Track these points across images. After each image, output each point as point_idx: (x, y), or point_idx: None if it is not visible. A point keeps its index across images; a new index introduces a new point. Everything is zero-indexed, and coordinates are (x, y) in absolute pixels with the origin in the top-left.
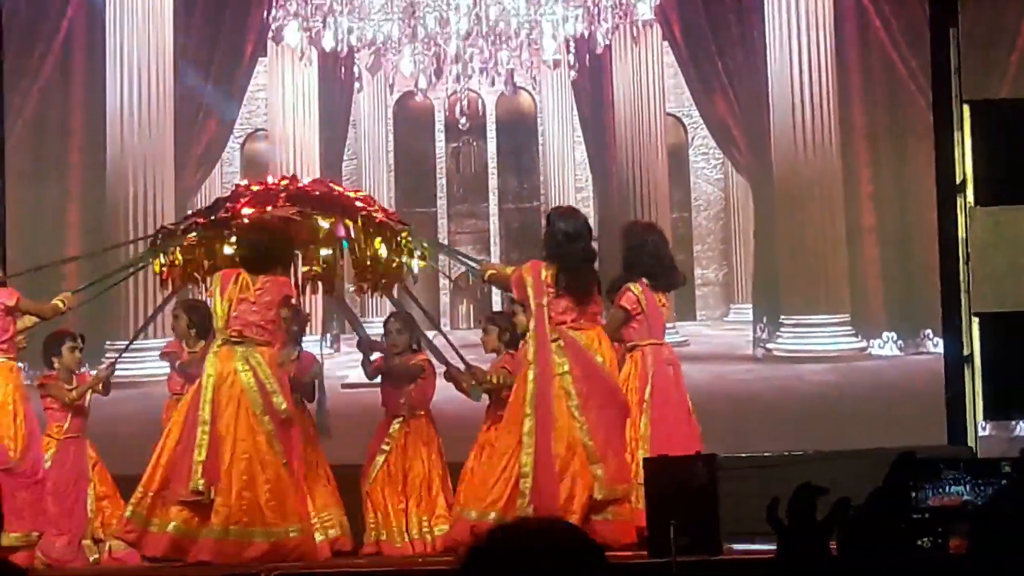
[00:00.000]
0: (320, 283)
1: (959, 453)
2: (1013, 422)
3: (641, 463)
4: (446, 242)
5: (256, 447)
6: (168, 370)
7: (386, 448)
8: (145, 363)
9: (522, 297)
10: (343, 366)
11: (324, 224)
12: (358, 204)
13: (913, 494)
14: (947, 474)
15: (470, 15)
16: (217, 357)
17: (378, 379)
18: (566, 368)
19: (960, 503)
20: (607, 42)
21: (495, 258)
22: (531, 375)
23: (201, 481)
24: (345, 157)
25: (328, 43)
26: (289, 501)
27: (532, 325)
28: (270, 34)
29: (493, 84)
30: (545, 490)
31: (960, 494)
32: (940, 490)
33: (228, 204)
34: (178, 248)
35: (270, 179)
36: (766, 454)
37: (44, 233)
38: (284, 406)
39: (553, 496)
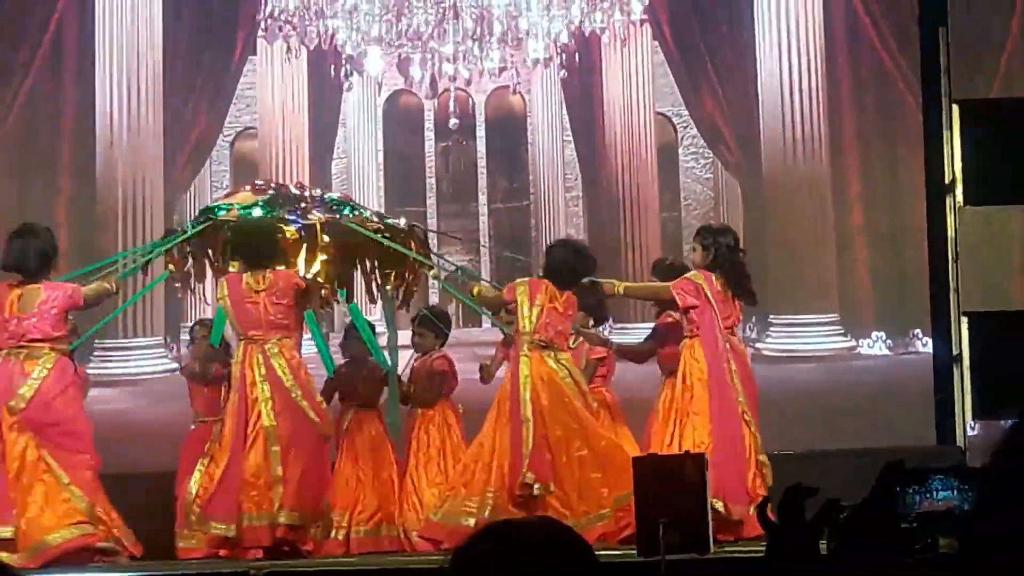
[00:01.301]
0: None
1: (948, 452)
2: (1002, 421)
3: (632, 462)
4: (435, 241)
5: (594, 437)
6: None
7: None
8: (130, 361)
9: (689, 304)
10: None
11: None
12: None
13: (901, 501)
14: (934, 479)
15: (460, 14)
16: (531, 360)
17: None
18: (734, 368)
19: (948, 508)
20: (598, 41)
21: (483, 257)
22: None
23: (530, 474)
24: (334, 156)
25: (317, 41)
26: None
27: (715, 329)
28: (260, 32)
29: (480, 78)
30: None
31: (948, 499)
32: (928, 495)
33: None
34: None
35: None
36: None
37: None
38: (595, 405)
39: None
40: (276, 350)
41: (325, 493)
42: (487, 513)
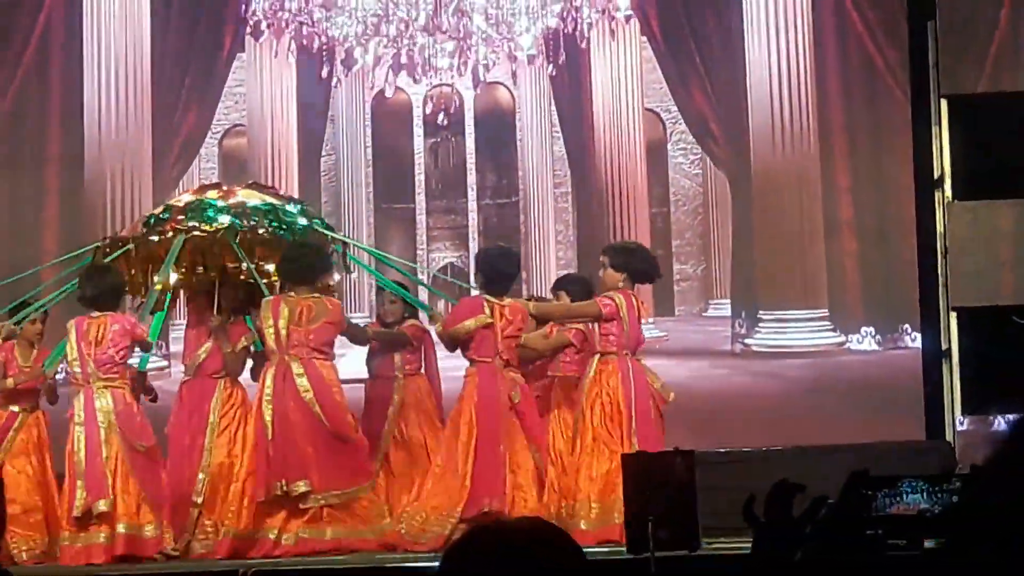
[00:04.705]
0: None
1: (937, 448)
2: (991, 416)
3: (620, 459)
4: (424, 237)
5: None
6: None
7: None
8: None
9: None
10: None
11: None
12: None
13: (871, 505)
14: (904, 483)
15: (449, 10)
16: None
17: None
18: None
19: (917, 511)
20: (585, 36)
21: (472, 253)
22: None
23: None
24: (323, 152)
25: (306, 38)
26: None
27: None
28: (248, 29)
29: (472, 79)
30: None
31: (917, 502)
32: (898, 499)
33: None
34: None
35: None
36: (745, 449)
37: (21, 227)
38: None
39: None
40: None
41: None
42: None
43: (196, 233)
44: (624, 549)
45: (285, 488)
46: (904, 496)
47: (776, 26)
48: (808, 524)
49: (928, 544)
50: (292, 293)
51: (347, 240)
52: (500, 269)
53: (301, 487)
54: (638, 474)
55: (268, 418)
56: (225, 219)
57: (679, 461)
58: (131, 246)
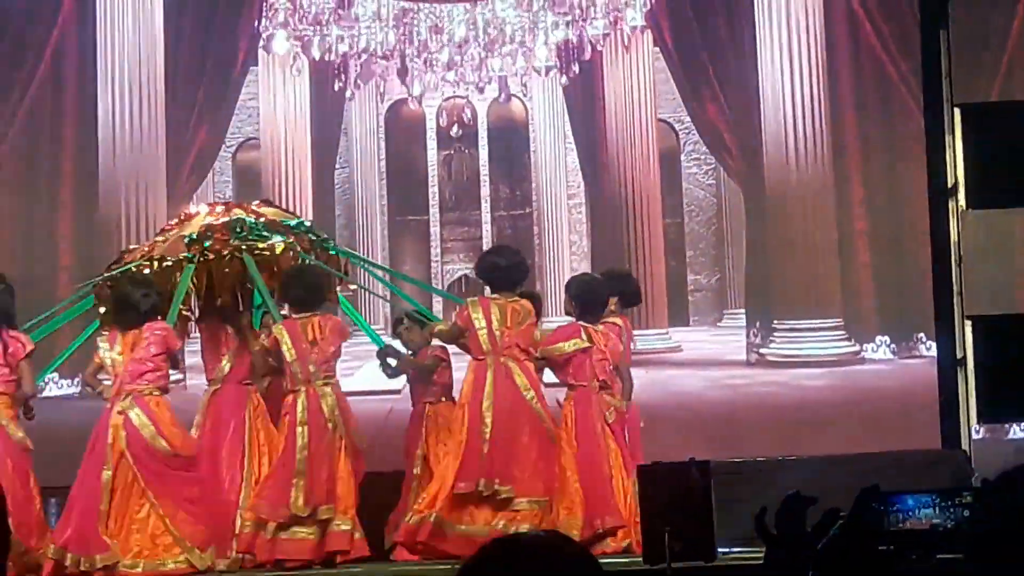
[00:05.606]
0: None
1: (952, 457)
2: (1007, 425)
3: (637, 470)
4: (438, 249)
5: None
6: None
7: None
8: None
9: None
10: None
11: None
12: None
13: (882, 520)
14: (916, 498)
15: (461, 23)
16: None
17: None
18: None
19: (929, 526)
20: (598, 48)
21: None
22: None
23: None
24: (337, 165)
25: (318, 52)
26: None
27: None
28: (261, 43)
29: (483, 92)
30: None
31: (929, 517)
32: (909, 514)
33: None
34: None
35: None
36: (760, 459)
37: (36, 242)
38: None
39: None
40: None
41: None
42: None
43: (256, 252)
44: (640, 560)
45: (494, 488)
46: (916, 510)
47: (789, 36)
48: (820, 539)
49: (940, 557)
50: (497, 296)
51: (355, 255)
52: (594, 297)
53: (505, 492)
54: (655, 485)
55: (489, 417)
56: (278, 238)
57: (695, 472)
58: (190, 266)
